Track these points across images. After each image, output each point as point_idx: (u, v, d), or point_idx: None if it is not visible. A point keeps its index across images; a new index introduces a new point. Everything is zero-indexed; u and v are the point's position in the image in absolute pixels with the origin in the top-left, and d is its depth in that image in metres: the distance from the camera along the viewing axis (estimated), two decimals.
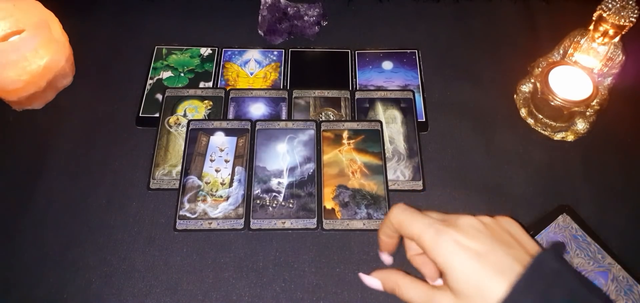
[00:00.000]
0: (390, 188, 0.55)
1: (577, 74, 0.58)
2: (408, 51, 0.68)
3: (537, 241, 0.34)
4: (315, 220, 0.53)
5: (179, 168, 0.56)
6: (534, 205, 0.54)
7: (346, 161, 0.56)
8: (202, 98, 0.62)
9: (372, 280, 0.40)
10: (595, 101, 0.58)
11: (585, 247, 0.50)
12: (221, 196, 0.54)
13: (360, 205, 0.53)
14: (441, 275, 0.35)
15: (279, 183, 0.55)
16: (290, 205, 0.53)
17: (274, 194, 0.54)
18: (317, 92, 0.63)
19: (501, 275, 0.30)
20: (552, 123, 0.59)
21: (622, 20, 0.53)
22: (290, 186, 0.55)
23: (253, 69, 0.66)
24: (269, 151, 0.57)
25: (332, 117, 0.61)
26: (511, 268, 0.31)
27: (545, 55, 0.63)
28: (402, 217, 0.36)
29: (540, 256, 0.31)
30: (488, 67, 0.67)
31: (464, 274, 0.31)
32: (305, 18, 0.68)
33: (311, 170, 0.56)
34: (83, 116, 0.61)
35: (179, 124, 0.60)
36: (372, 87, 0.64)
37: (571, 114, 0.58)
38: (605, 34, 0.55)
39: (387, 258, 0.45)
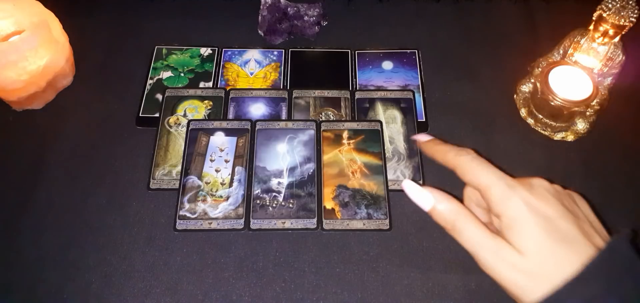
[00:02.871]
0: (390, 188, 0.55)
1: (577, 74, 0.58)
2: (408, 51, 0.68)
3: (603, 224, 0.34)
4: (315, 220, 0.53)
5: (179, 168, 0.56)
6: None
7: (346, 161, 0.56)
8: (202, 98, 0.62)
9: (423, 195, 0.36)
10: (595, 101, 0.58)
11: None
12: (221, 196, 0.54)
13: (360, 205, 0.53)
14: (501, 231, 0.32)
15: (279, 183, 0.55)
16: (290, 205, 0.53)
17: (274, 194, 0.54)
18: (317, 92, 0.63)
19: (571, 247, 0.30)
20: (552, 123, 0.59)
21: (622, 20, 0.53)
22: (290, 186, 0.55)
23: (253, 69, 0.66)
24: (269, 151, 0.57)
25: (332, 117, 0.61)
26: (579, 241, 0.30)
27: (545, 55, 0.63)
28: (472, 164, 0.34)
29: (615, 242, 0.30)
30: (488, 67, 0.67)
31: (534, 236, 0.30)
32: (305, 18, 0.68)
33: (311, 170, 0.56)
34: (83, 116, 0.61)
35: (179, 124, 0.60)
36: (372, 87, 0.64)
37: (571, 114, 0.58)
38: (605, 34, 0.55)
39: (422, 136, 0.41)
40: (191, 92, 0.63)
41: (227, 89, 0.63)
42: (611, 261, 0.29)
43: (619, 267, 0.29)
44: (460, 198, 0.38)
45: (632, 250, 0.30)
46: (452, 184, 0.56)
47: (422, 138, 0.41)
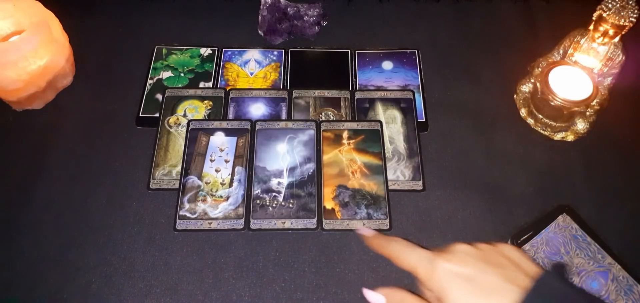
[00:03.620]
0: (390, 188, 0.55)
1: (577, 74, 0.58)
2: (408, 51, 0.68)
3: (538, 265, 0.35)
4: (315, 220, 0.53)
5: (179, 168, 0.56)
6: (534, 205, 0.54)
7: (346, 161, 0.56)
8: (202, 98, 0.62)
9: (376, 297, 0.39)
10: (595, 101, 0.58)
11: (585, 247, 0.50)
12: (221, 196, 0.54)
13: (360, 205, 0.53)
14: None
15: (279, 183, 0.55)
16: (290, 205, 0.53)
17: (274, 194, 0.54)
18: (317, 92, 0.63)
19: (496, 296, 0.31)
20: (552, 123, 0.59)
21: (622, 20, 0.53)
22: (290, 186, 0.55)
23: (253, 69, 0.66)
24: (269, 151, 0.57)
25: (332, 117, 0.61)
26: (504, 288, 0.31)
27: (545, 55, 0.63)
28: (399, 250, 0.37)
29: (543, 276, 0.32)
30: (488, 67, 0.67)
31: (461, 298, 0.32)
32: (305, 18, 0.68)
33: (311, 170, 0.56)
34: (83, 116, 0.61)
35: (179, 124, 0.60)
36: (372, 87, 0.64)
37: (571, 114, 0.58)
38: (605, 34, 0.55)
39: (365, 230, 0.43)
40: (191, 92, 0.63)
41: (227, 89, 0.63)
42: (540, 298, 0.30)
43: (550, 299, 0.30)
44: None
45: (562, 282, 0.31)
46: (452, 185, 0.56)
47: (365, 232, 0.42)
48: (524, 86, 0.63)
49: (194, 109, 0.61)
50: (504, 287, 0.31)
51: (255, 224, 0.52)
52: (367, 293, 0.40)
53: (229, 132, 0.58)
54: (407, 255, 0.37)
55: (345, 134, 0.58)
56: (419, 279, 0.35)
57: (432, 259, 0.34)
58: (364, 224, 0.52)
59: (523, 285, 0.31)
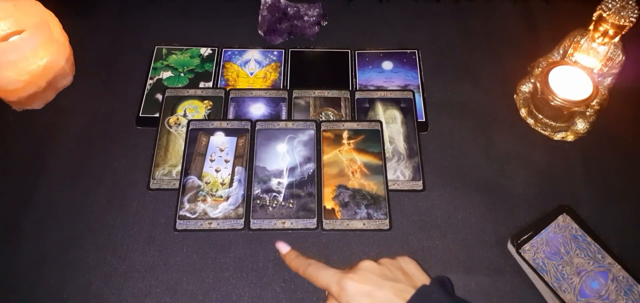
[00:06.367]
0: (390, 188, 0.55)
1: (577, 74, 0.59)
2: (408, 51, 0.68)
3: (429, 276, 0.41)
4: (315, 220, 0.53)
5: (179, 168, 0.56)
6: (534, 205, 0.54)
7: (346, 161, 0.56)
8: (202, 98, 0.62)
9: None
10: (595, 101, 0.58)
11: (585, 247, 0.50)
12: (221, 196, 0.54)
13: (360, 205, 0.53)
14: None
15: (279, 183, 0.55)
16: (290, 205, 0.53)
17: (274, 194, 0.54)
18: (317, 92, 0.63)
19: None
20: (552, 123, 0.59)
21: (622, 20, 0.53)
22: (290, 186, 0.55)
23: (253, 69, 0.66)
24: (269, 151, 0.57)
25: (332, 117, 0.61)
26: (393, 300, 0.37)
27: (545, 55, 0.63)
28: (314, 272, 0.42)
29: (421, 288, 0.38)
30: (488, 67, 0.67)
31: None
32: (305, 18, 0.68)
33: (311, 170, 0.56)
34: (83, 116, 0.61)
35: (179, 124, 0.60)
36: (372, 87, 0.64)
37: (571, 114, 0.58)
38: (605, 34, 0.55)
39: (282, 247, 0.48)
40: (191, 92, 0.63)
41: (227, 89, 0.63)
42: None
43: None
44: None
45: (441, 294, 0.37)
46: (452, 185, 0.56)
47: (282, 249, 0.48)
48: (524, 86, 0.63)
49: (194, 109, 0.61)
50: (393, 300, 0.37)
51: (255, 224, 0.52)
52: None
53: (229, 132, 0.58)
54: (320, 275, 0.42)
55: (345, 134, 0.58)
56: (333, 296, 0.40)
57: (340, 278, 0.40)
58: (363, 224, 0.52)
59: (407, 297, 0.37)
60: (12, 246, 0.52)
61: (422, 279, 0.40)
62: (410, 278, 0.40)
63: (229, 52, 0.68)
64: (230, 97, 0.62)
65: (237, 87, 0.64)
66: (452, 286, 0.42)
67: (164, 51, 0.68)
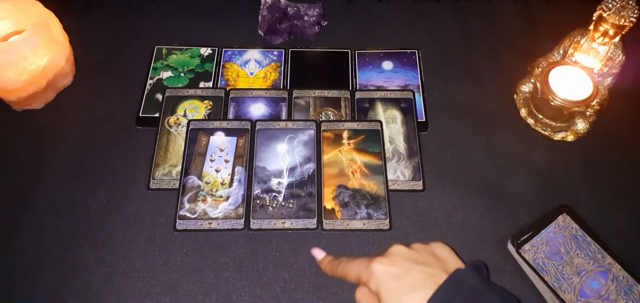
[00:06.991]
0: (390, 188, 0.55)
1: (577, 74, 0.59)
2: (408, 51, 0.68)
3: (463, 261, 0.39)
4: (315, 220, 0.53)
5: (179, 168, 0.56)
6: (534, 205, 0.54)
7: (346, 161, 0.56)
8: (202, 98, 0.62)
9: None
10: (595, 101, 0.58)
11: (585, 247, 0.50)
12: (221, 196, 0.54)
13: (360, 205, 0.53)
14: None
15: (279, 183, 0.55)
16: (290, 205, 0.53)
17: (274, 194, 0.54)
18: (317, 92, 0.63)
19: (415, 291, 0.35)
20: (552, 123, 0.59)
21: (622, 20, 0.53)
22: (290, 186, 0.55)
23: (253, 69, 0.66)
24: (269, 151, 0.57)
25: (332, 117, 0.61)
26: (423, 284, 0.36)
27: (545, 55, 0.63)
28: (347, 267, 0.41)
29: (455, 273, 0.36)
30: (488, 67, 0.67)
31: (389, 295, 0.36)
32: (305, 18, 0.68)
33: (311, 170, 0.56)
34: (83, 116, 0.61)
35: (179, 124, 0.60)
36: (372, 87, 0.64)
37: (571, 114, 0.58)
38: (605, 34, 0.55)
39: (318, 253, 0.48)
40: (191, 92, 0.63)
41: (227, 89, 0.63)
42: (453, 292, 0.35)
43: (463, 296, 0.34)
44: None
45: (475, 279, 0.35)
46: (452, 185, 0.56)
47: (317, 255, 0.47)
48: (524, 86, 0.63)
49: (194, 109, 0.61)
50: (423, 284, 0.36)
51: (255, 224, 0.52)
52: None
53: (229, 132, 0.58)
54: (351, 267, 0.41)
55: (345, 134, 0.58)
56: (364, 284, 0.39)
57: (369, 264, 0.39)
58: (363, 224, 0.52)
59: (439, 281, 0.36)
60: (12, 246, 0.52)
61: (456, 264, 0.38)
62: (442, 262, 0.38)
63: (229, 52, 0.68)
64: (230, 97, 0.62)
65: (237, 87, 0.64)
66: (488, 271, 0.40)
67: (164, 50, 0.68)
